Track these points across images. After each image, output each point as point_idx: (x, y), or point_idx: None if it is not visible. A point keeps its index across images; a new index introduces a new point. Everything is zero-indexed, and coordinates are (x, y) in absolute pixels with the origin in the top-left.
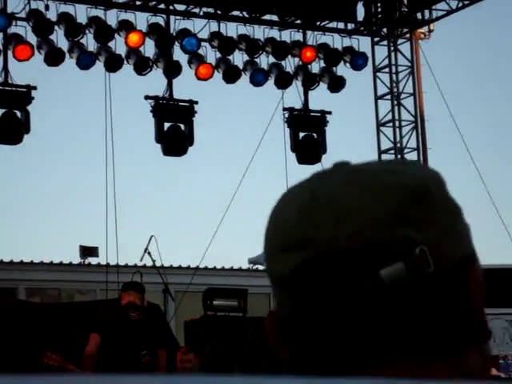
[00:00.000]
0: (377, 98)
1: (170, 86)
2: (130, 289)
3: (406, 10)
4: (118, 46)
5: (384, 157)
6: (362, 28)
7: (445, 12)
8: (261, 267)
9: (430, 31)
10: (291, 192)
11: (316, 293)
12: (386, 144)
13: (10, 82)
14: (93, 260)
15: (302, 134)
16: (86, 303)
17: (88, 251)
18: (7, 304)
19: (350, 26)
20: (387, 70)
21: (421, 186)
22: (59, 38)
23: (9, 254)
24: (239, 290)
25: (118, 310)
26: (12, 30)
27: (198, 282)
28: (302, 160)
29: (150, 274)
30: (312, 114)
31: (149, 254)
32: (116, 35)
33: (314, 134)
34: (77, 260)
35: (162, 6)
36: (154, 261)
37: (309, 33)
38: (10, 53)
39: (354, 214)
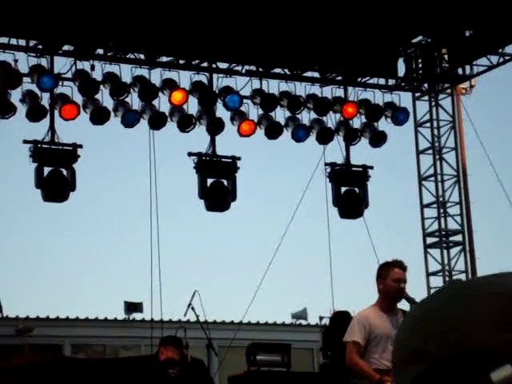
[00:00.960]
0: (418, 152)
1: (213, 142)
2: (169, 344)
3: (446, 65)
4: (162, 103)
5: (426, 211)
6: (403, 84)
7: (486, 67)
8: (304, 322)
9: (471, 86)
10: (412, 311)
11: None
12: (428, 198)
13: (56, 140)
14: (137, 316)
15: (343, 189)
16: (129, 359)
17: (132, 307)
18: (53, 360)
19: (391, 81)
20: (428, 124)
21: None
22: (104, 97)
23: (55, 310)
24: (282, 345)
25: (157, 368)
26: (59, 89)
27: (241, 337)
28: (343, 214)
29: (193, 330)
30: (354, 168)
31: (192, 309)
32: (160, 93)
33: (356, 189)
34: (121, 316)
35: (205, 64)
36: (197, 316)
37: (350, 89)
38: (56, 112)
39: (460, 323)
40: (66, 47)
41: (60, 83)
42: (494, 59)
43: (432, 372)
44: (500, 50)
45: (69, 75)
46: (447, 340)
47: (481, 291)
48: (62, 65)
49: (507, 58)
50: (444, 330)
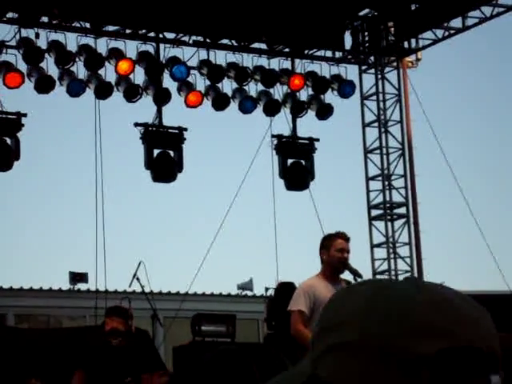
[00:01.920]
0: (364, 125)
1: (159, 113)
2: (113, 314)
3: (393, 38)
4: (108, 73)
5: (371, 183)
6: (349, 56)
7: (431, 41)
8: (249, 293)
9: (417, 60)
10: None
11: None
12: (373, 171)
13: (0, 109)
14: (82, 286)
15: (290, 161)
16: (72, 329)
17: (77, 277)
18: None
19: (338, 54)
20: (375, 97)
21: None
22: (49, 66)
23: None
24: (227, 316)
25: (100, 339)
26: (2, 57)
27: (186, 307)
28: (290, 186)
29: (138, 300)
30: (300, 140)
31: (138, 279)
32: (106, 63)
33: (303, 161)
34: (66, 286)
35: (151, 34)
36: (142, 287)
37: (297, 61)
38: (0, 80)
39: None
40: (9, 14)
41: (4, 51)
42: (440, 33)
43: (458, 353)
44: (445, 24)
45: (13, 43)
46: (479, 329)
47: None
48: (5, 32)
49: (452, 31)
50: (477, 319)
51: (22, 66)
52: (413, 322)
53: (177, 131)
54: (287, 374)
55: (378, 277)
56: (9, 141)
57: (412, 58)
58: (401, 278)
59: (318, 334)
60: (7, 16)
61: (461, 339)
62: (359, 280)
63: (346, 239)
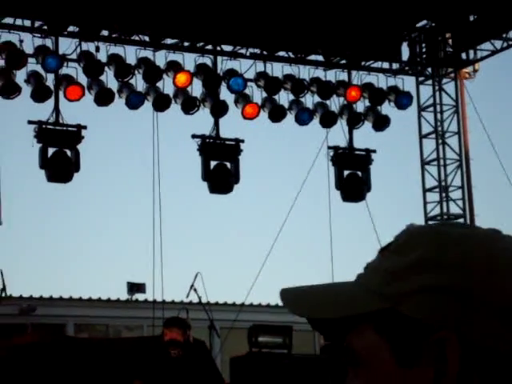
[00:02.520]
0: (421, 136)
1: (216, 125)
2: (172, 325)
3: (450, 50)
4: (166, 86)
5: (428, 195)
6: (406, 68)
7: (489, 52)
8: None
9: (474, 71)
10: None
11: None
12: (430, 182)
13: (61, 121)
14: (140, 296)
15: (346, 172)
16: (131, 339)
17: (135, 288)
18: (53, 339)
19: (395, 65)
20: (432, 109)
21: None
22: (109, 79)
23: (58, 290)
24: (284, 327)
25: (159, 349)
26: (63, 71)
27: (243, 318)
28: (346, 198)
29: (195, 311)
30: (357, 152)
31: (195, 290)
32: (164, 75)
33: (359, 172)
34: (124, 296)
35: (209, 46)
36: (199, 297)
37: (354, 72)
38: (61, 93)
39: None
40: (70, 28)
41: (65, 64)
42: (498, 44)
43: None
44: (504, 35)
45: (74, 56)
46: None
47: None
48: (66, 46)
49: (511, 42)
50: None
51: (83, 79)
52: None
53: (233, 143)
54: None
55: None
56: (69, 153)
57: (469, 68)
58: None
59: (404, 270)
60: (68, 30)
61: None
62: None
63: None
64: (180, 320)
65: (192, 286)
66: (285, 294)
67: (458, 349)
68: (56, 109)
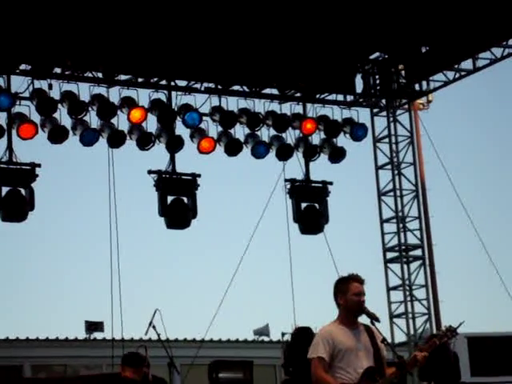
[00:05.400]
0: (377, 167)
1: (172, 160)
2: (129, 363)
3: (404, 81)
4: (121, 122)
5: (386, 226)
6: (360, 99)
7: (442, 83)
8: (266, 338)
9: (428, 102)
10: None
11: None
12: (387, 213)
13: (14, 160)
14: (98, 335)
15: (304, 205)
16: (90, 377)
17: (93, 326)
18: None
19: (349, 97)
20: (387, 140)
21: None
22: (63, 116)
23: (14, 331)
24: (245, 362)
25: None
26: (16, 109)
27: (203, 354)
28: (304, 230)
29: (155, 348)
30: (313, 184)
31: (154, 327)
32: (119, 111)
33: (316, 205)
34: (82, 335)
35: (163, 82)
36: (158, 334)
37: (308, 105)
38: (14, 132)
39: None
40: (22, 66)
41: (17, 102)
42: (450, 75)
43: None
44: (456, 66)
45: (26, 94)
46: None
47: None
48: (19, 84)
49: (463, 73)
50: None
51: (36, 117)
52: None
53: (190, 177)
54: None
55: (395, 320)
56: (23, 191)
57: (423, 99)
58: (418, 320)
59: None
60: (20, 68)
61: None
62: (376, 324)
63: (361, 282)
64: (136, 357)
65: (151, 323)
66: None
67: None
68: (9, 147)
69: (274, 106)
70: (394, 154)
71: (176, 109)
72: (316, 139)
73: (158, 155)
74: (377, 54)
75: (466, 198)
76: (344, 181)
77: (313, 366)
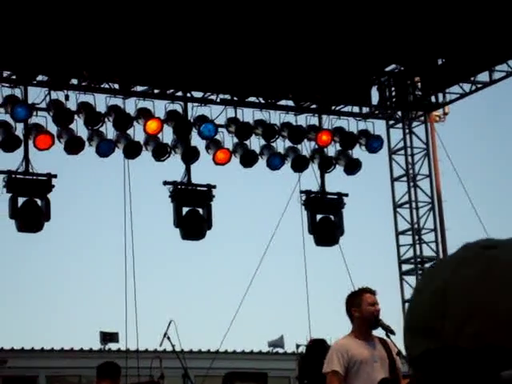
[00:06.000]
0: (393, 179)
1: (188, 171)
2: (105, 374)
3: (419, 93)
4: (137, 133)
5: (401, 238)
6: (376, 111)
7: (458, 95)
8: (280, 350)
9: (444, 114)
10: (430, 273)
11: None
12: (403, 225)
13: (30, 170)
14: (113, 346)
15: (319, 217)
16: None
17: (108, 337)
18: None
19: (365, 109)
20: (402, 152)
21: None
22: (79, 127)
23: (30, 341)
24: (259, 374)
25: None
26: (33, 120)
27: (217, 365)
28: (319, 242)
29: (169, 359)
30: (329, 196)
31: (168, 338)
32: (135, 123)
33: (331, 216)
34: (97, 346)
35: (179, 93)
36: (173, 345)
37: (324, 117)
38: (30, 142)
39: (482, 312)
40: (40, 77)
41: (34, 113)
42: (467, 87)
43: (443, 354)
44: (472, 78)
45: (43, 105)
46: (465, 328)
47: (508, 272)
48: (36, 95)
49: (479, 85)
50: (464, 316)
51: (52, 128)
52: None
53: (205, 189)
54: None
55: None
56: (39, 202)
57: (439, 112)
58: None
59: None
60: (37, 79)
61: (448, 340)
62: (392, 337)
63: (373, 292)
64: (111, 367)
65: (165, 334)
66: None
67: None
68: (26, 158)
69: (290, 118)
70: (410, 166)
71: (192, 120)
72: (331, 151)
73: (174, 166)
74: (393, 66)
75: (481, 210)
76: (359, 193)
77: (328, 381)
